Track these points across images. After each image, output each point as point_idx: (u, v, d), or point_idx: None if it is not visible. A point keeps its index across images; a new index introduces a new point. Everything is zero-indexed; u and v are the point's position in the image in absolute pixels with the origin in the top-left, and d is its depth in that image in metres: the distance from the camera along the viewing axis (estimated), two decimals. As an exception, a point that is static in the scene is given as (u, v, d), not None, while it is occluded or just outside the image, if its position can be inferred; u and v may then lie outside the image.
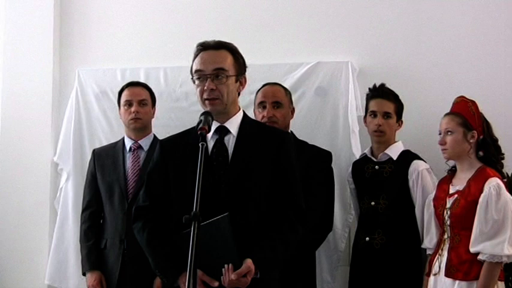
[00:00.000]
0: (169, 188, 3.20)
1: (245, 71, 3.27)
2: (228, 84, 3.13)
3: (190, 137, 3.10)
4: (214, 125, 3.16)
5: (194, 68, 3.18)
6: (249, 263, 2.94)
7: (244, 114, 3.31)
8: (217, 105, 3.13)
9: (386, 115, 4.26)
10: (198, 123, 2.99)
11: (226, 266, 2.93)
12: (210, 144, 3.17)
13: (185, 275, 2.61)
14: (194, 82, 3.19)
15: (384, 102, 4.28)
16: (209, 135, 3.14)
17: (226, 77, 3.12)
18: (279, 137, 3.29)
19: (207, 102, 3.13)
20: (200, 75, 3.14)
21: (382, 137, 4.28)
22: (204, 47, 3.19)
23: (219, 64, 3.12)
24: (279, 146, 3.20)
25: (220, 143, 3.17)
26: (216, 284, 2.94)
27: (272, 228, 3.09)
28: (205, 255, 2.85)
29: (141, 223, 3.25)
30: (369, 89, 4.40)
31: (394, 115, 4.28)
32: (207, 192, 2.84)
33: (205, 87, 3.11)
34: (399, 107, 4.31)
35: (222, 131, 3.19)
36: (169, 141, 3.34)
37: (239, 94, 3.27)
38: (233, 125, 3.20)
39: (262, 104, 4.27)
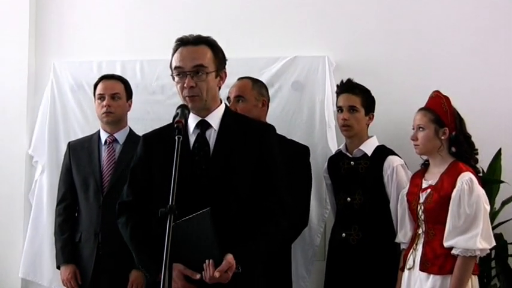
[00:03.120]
0: (152, 182, 3.19)
1: (225, 64, 3.24)
2: (208, 81, 3.11)
3: (173, 131, 3.05)
4: (196, 120, 3.16)
5: (173, 65, 3.15)
6: (229, 258, 2.92)
7: (226, 107, 3.30)
8: (197, 102, 3.11)
9: (352, 109, 4.25)
10: (174, 117, 2.97)
11: (207, 261, 2.91)
12: (192, 138, 3.16)
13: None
14: (174, 79, 3.16)
15: (349, 97, 4.28)
16: (191, 129, 3.15)
17: (206, 74, 3.09)
18: (261, 129, 3.28)
19: (187, 99, 3.11)
20: (180, 72, 3.11)
21: (350, 132, 4.28)
22: (182, 43, 3.16)
23: (199, 60, 3.10)
24: (261, 139, 3.19)
25: (201, 138, 3.16)
26: (198, 276, 2.92)
27: (255, 221, 3.08)
28: (187, 250, 2.87)
29: (124, 218, 3.25)
30: (337, 85, 4.43)
31: (361, 108, 4.26)
32: (188, 187, 2.85)
33: (185, 85, 3.09)
34: (367, 100, 4.30)
35: (203, 125, 3.17)
36: (152, 136, 3.33)
37: (219, 88, 3.25)
38: (214, 119, 3.19)
39: (228, 100, 4.27)
